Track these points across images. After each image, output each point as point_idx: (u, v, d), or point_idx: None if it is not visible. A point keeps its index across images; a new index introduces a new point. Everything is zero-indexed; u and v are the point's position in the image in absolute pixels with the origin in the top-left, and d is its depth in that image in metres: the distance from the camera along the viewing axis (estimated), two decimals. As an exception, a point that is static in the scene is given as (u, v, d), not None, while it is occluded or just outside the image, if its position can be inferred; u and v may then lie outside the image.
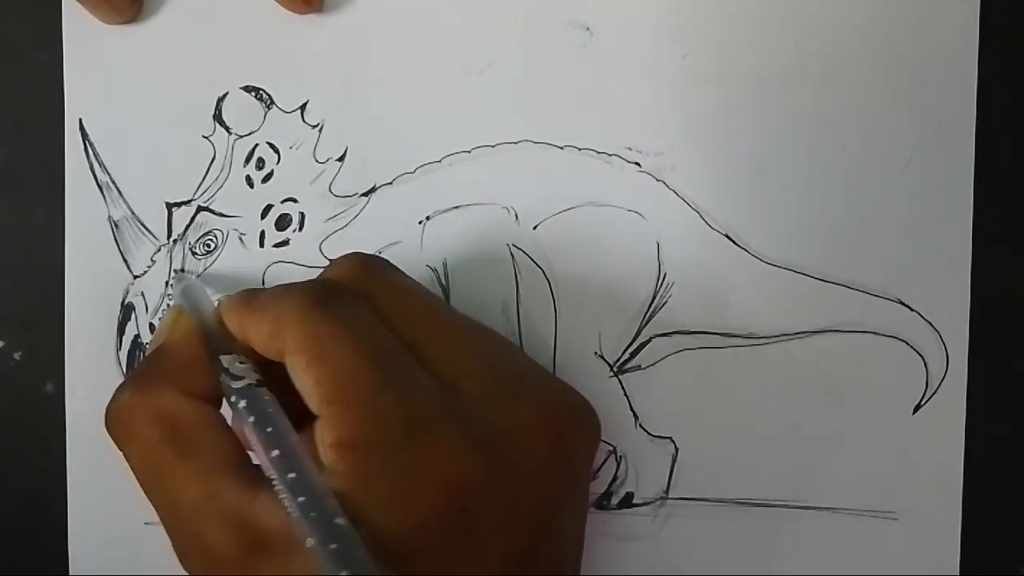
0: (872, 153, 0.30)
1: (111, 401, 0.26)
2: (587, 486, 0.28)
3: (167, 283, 0.33)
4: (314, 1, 0.31)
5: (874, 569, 0.30)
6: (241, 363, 0.25)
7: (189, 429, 0.25)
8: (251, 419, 0.24)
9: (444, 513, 0.23)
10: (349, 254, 0.28)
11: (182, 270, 0.32)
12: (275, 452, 0.23)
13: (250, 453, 0.25)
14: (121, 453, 0.25)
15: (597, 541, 0.31)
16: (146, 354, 0.27)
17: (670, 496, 0.31)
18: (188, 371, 0.26)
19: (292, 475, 0.22)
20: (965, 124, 0.30)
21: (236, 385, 0.25)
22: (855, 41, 0.30)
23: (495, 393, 0.25)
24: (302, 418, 0.24)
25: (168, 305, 0.32)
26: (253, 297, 0.26)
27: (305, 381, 0.24)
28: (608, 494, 0.31)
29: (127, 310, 0.33)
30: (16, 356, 0.34)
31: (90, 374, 0.33)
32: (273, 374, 0.25)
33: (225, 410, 0.25)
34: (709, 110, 0.31)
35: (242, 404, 0.24)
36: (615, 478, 0.31)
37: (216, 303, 0.27)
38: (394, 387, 0.24)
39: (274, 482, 0.23)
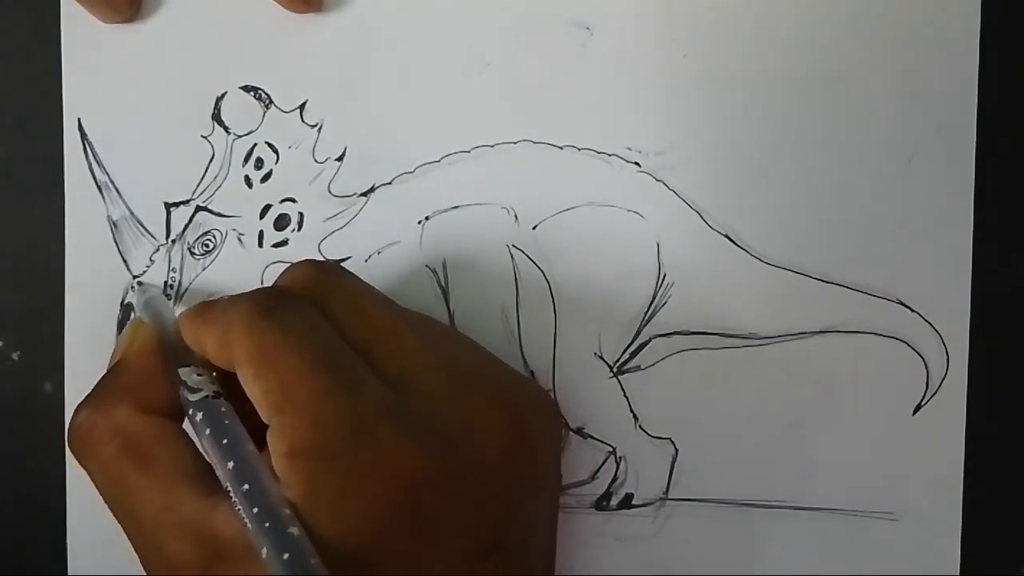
0: (872, 153, 0.30)
1: (71, 420, 0.26)
2: (555, 477, 0.28)
3: (166, 283, 0.32)
4: (313, 1, 0.31)
5: (874, 570, 0.30)
6: (199, 375, 0.25)
7: (146, 444, 0.25)
8: (207, 431, 0.24)
9: (394, 513, 0.23)
10: (302, 261, 0.28)
11: (180, 277, 0.32)
12: (230, 464, 0.23)
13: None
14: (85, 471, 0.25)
15: (597, 542, 0.31)
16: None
17: (670, 497, 0.31)
18: (144, 386, 0.26)
19: (246, 487, 0.23)
20: (965, 124, 0.30)
21: (193, 398, 0.25)
22: (855, 41, 0.30)
23: (446, 390, 0.25)
24: (265, 426, 0.24)
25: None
26: (206, 308, 0.26)
27: (255, 391, 0.24)
28: (608, 495, 0.31)
29: (126, 310, 0.33)
30: (15, 356, 0.34)
31: (89, 374, 0.32)
32: (236, 384, 0.25)
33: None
34: (709, 110, 0.31)
35: (199, 416, 0.24)
36: (615, 479, 0.31)
37: (177, 315, 0.27)
38: (338, 391, 0.23)
39: (231, 494, 0.23)
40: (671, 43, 0.31)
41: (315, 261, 0.28)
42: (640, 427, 0.31)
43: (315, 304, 0.26)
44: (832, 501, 0.30)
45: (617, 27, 0.31)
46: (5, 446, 0.34)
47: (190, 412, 0.25)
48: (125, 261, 0.33)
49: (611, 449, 0.31)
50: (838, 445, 0.30)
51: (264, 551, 0.22)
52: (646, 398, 0.31)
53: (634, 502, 0.31)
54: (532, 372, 0.31)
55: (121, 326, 0.33)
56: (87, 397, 0.26)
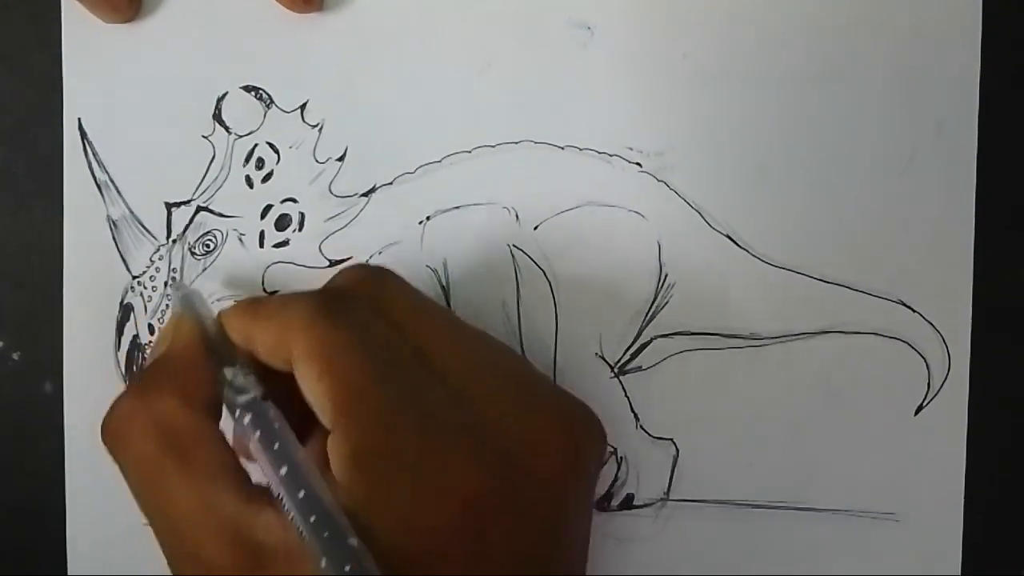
0: (874, 153, 0.30)
1: (108, 411, 0.25)
2: (593, 494, 0.28)
3: (166, 283, 0.32)
4: (314, 1, 0.31)
5: (875, 570, 0.30)
6: (245, 375, 0.25)
7: (188, 438, 0.24)
8: (256, 434, 0.23)
9: (459, 525, 0.22)
10: (355, 263, 0.27)
11: (180, 278, 0.32)
12: (283, 470, 0.22)
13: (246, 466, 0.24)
14: (116, 464, 0.25)
15: (598, 542, 0.31)
16: (145, 362, 0.27)
17: (671, 497, 0.31)
18: (188, 379, 0.25)
19: (302, 493, 0.22)
20: (967, 124, 0.30)
21: (241, 399, 0.24)
22: (856, 40, 0.30)
23: (509, 404, 0.25)
24: (304, 431, 0.24)
25: (167, 305, 0.32)
26: (259, 304, 0.25)
27: (317, 391, 0.23)
28: (609, 495, 0.31)
29: (126, 310, 0.33)
30: (15, 356, 0.34)
31: (89, 374, 0.33)
32: (274, 386, 0.24)
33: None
34: (710, 110, 0.31)
35: (247, 419, 0.24)
36: (616, 479, 0.31)
37: (216, 312, 0.27)
38: (408, 398, 0.23)
39: (282, 500, 0.22)
40: (672, 43, 0.31)
41: (368, 264, 0.27)
42: (641, 427, 0.31)
43: (372, 305, 0.25)
44: (833, 502, 0.30)
45: (618, 27, 0.31)
46: (5, 446, 0.34)
47: (236, 414, 0.24)
48: (125, 261, 0.33)
49: (612, 450, 0.31)
50: (839, 446, 0.30)
51: (323, 562, 0.21)
52: (647, 398, 0.31)
53: (635, 503, 0.31)
54: (533, 372, 0.31)
55: (120, 326, 0.33)
56: (128, 388, 0.25)
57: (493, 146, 0.31)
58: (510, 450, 0.24)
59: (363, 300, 0.25)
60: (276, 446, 0.23)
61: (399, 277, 0.27)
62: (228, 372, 0.25)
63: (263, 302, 0.26)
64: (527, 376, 0.26)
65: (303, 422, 0.24)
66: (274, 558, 0.22)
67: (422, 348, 0.25)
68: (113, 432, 0.25)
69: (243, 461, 0.24)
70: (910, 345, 0.30)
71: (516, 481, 0.23)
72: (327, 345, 0.23)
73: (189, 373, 0.25)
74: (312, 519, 0.21)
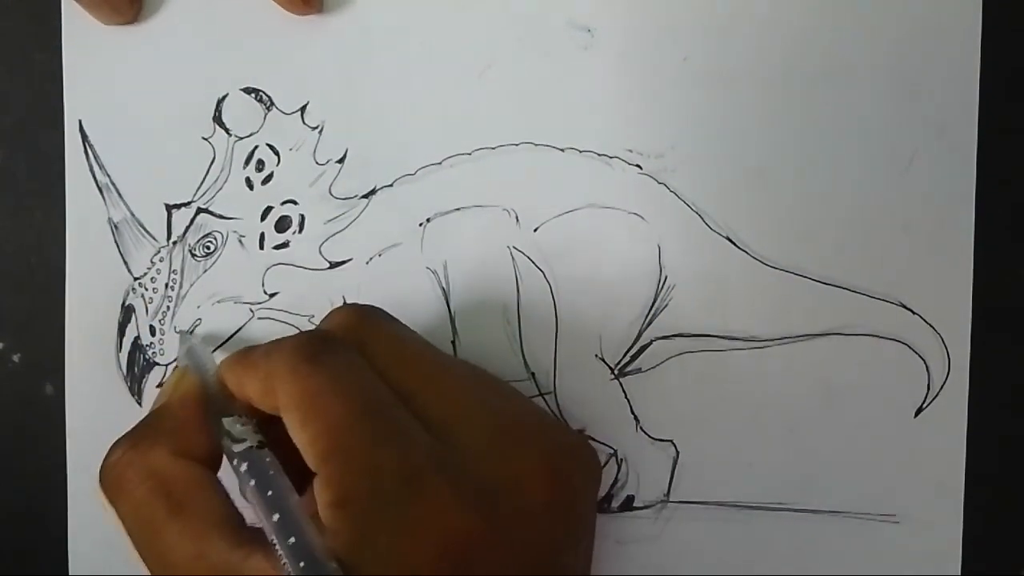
0: (874, 155, 0.30)
1: (105, 457, 0.26)
2: (592, 526, 0.28)
3: (167, 285, 0.32)
4: (314, 2, 0.31)
5: (875, 571, 0.30)
6: (242, 424, 0.25)
7: (180, 488, 0.25)
8: (252, 482, 0.24)
9: (443, 567, 0.22)
10: (344, 305, 0.27)
11: (181, 279, 0.32)
12: (275, 516, 0.23)
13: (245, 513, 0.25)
14: (113, 511, 0.25)
15: (598, 544, 0.31)
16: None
17: (671, 499, 0.31)
18: (184, 431, 0.26)
19: (292, 539, 0.22)
20: (967, 125, 0.30)
21: (237, 448, 0.25)
22: (856, 42, 0.30)
23: (492, 443, 0.25)
24: (307, 473, 0.24)
25: (168, 307, 0.32)
26: (248, 354, 0.26)
27: (301, 438, 0.24)
28: (609, 497, 0.31)
29: (127, 312, 0.33)
30: (16, 358, 0.34)
31: (90, 376, 0.33)
32: (277, 431, 0.25)
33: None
34: (710, 112, 0.31)
35: (243, 467, 0.24)
36: (616, 481, 0.31)
37: (218, 363, 0.27)
38: (387, 441, 0.23)
39: (276, 547, 0.23)
40: (672, 45, 0.31)
41: (357, 305, 0.28)
42: (641, 429, 0.31)
43: (357, 349, 0.25)
44: (833, 503, 0.30)
45: (618, 29, 0.31)
46: (6, 448, 0.34)
47: (234, 463, 0.25)
48: (126, 263, 0.33)
49: (612, 451, 0.31)
50: (839, 447, 0.30)
51: None
52: (647, 400, 0.31)
53: (635, 504, 0.31)
54: (533, 374, 0.31)
55: (121, 328, 0.33)
56: (123, 437, 0.26)
57: (493, 148, 0.31)
58: (494, 487, 0.24)
59: (346, 342, 0.25)
60: (269, 493, 0.24)
61: (388, 316, 0.27)
62: (226, 422, 0.25)
63: (252, 351, 0.26)
64: (514, 413, 0.26)
65: (308, 467, 0.24)
66: None
67: (405, 388, 0.25)
68: (108, 480, 0.25)
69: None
70: (910, 347, 0.30)
71: (501, 518, 0.23)
72: (308, 392, 0.24)
73: (184, 424, 0.26)
74: (301, 564, 0.22)
